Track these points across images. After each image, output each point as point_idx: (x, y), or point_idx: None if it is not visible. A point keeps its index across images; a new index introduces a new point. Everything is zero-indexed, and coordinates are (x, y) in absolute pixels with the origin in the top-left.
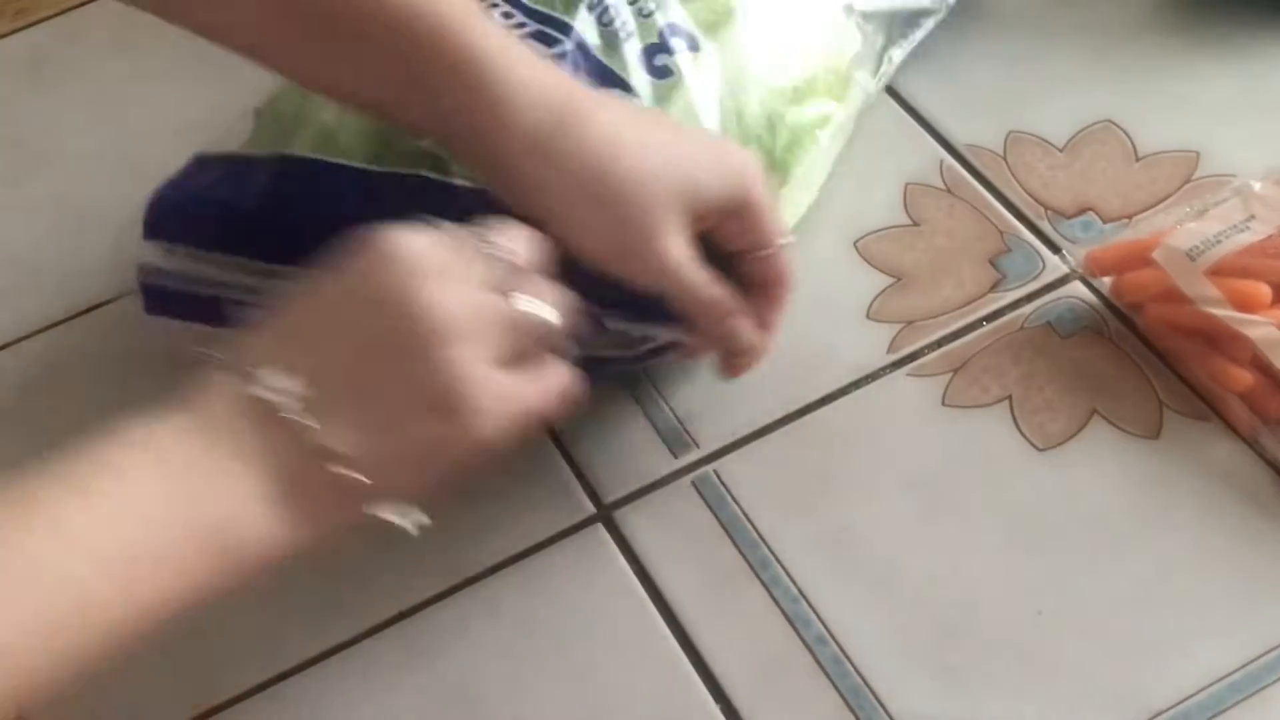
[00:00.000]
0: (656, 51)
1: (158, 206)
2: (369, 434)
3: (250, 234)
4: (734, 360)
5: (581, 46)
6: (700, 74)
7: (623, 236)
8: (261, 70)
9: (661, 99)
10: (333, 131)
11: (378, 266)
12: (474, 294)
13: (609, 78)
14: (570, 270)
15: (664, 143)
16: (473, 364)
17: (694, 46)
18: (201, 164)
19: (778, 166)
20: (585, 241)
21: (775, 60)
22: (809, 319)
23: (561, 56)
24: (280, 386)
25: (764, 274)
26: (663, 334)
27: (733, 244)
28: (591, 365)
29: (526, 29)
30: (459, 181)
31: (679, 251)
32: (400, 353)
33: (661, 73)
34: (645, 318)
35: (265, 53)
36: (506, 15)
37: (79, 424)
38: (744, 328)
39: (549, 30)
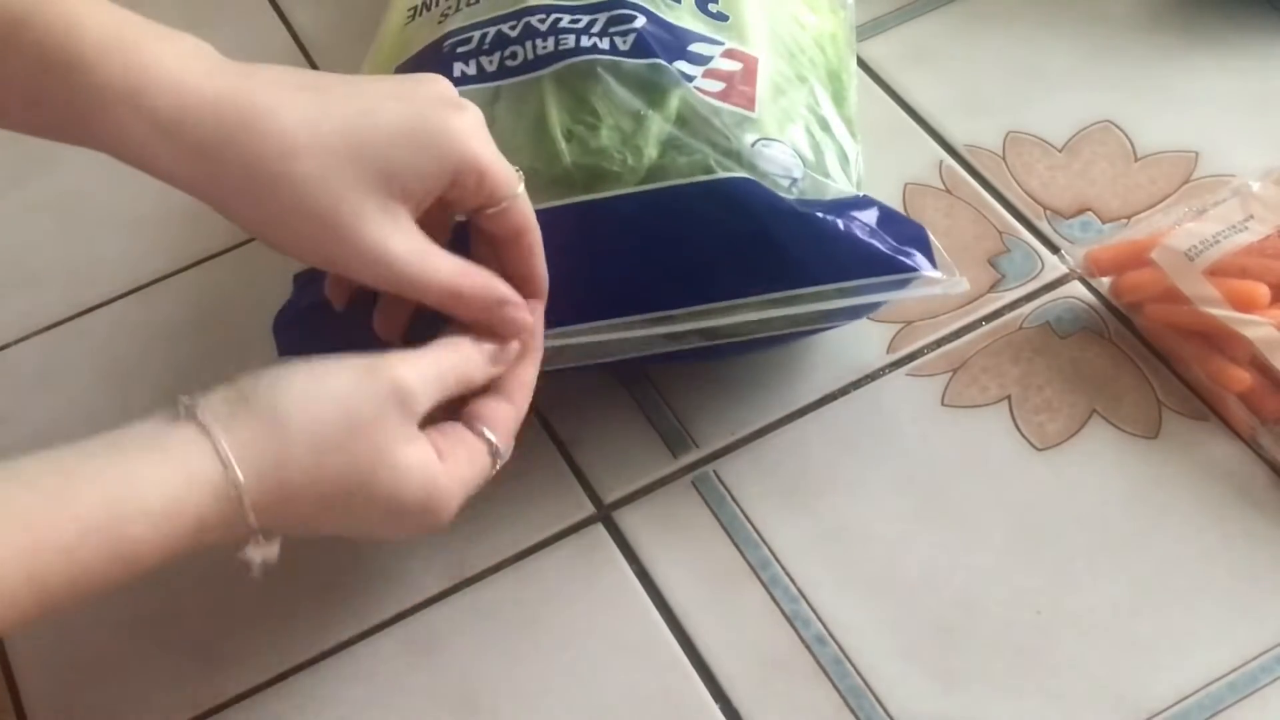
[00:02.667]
0: (706, 1)
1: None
2: (303, 530)
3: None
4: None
5: (652, 18)
6: (750, 10)
7: (323, 240)
8: None
9: (729, 38)
10: None
11: (408, 495)
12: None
13: (687, 37)
14: None
15: (347, 129)
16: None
17: None
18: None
19: (837, 82)
20: (296, 249)
21: None
22: None
23: (639, 35)
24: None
25: (506, 228)
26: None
27: (466, 208)
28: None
29: (595, 25)
30: None
31: (393, 242)
32: (383, 523)
33: (719, 17)
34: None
35: None
36: (572, 20)
37: (79, 424)
38: (507, 311)
39: (619, 11)
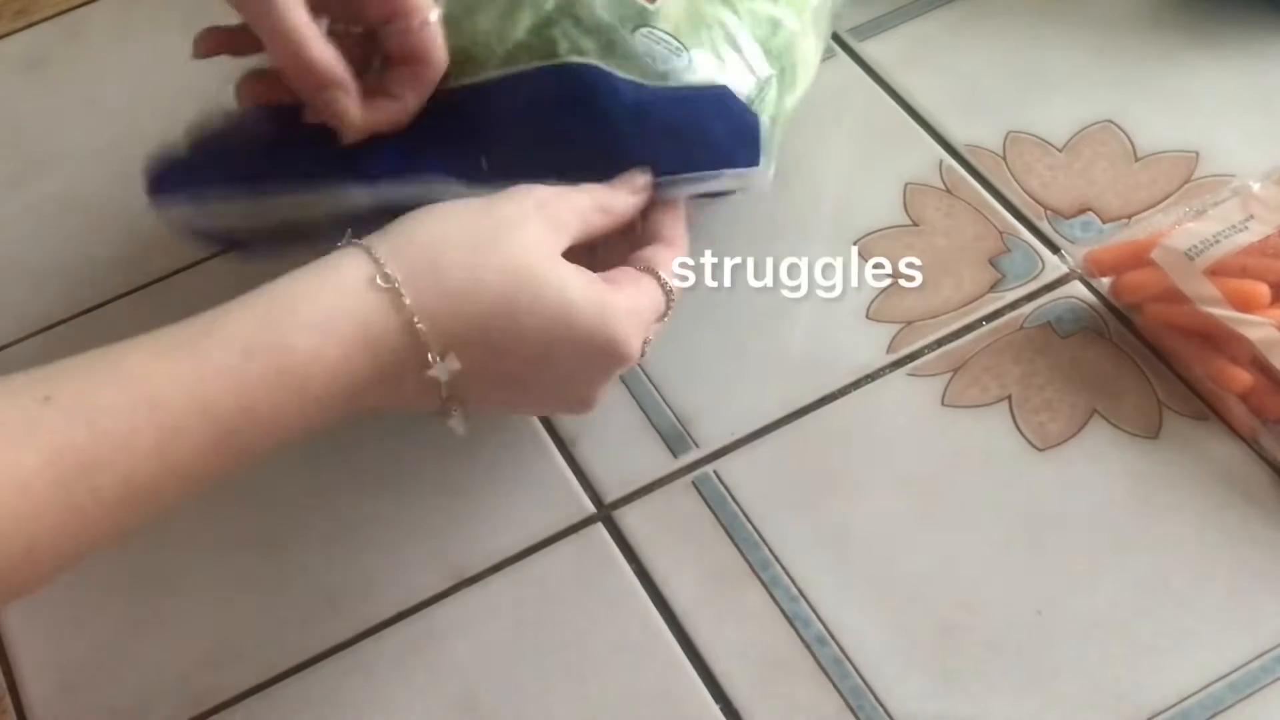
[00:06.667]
0: None
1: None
2: (485, 397)
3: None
4: (329, 120)
5: None
6: None
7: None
8: None
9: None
10: None
11: (590, 344)
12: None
13: None
14: None
15: None
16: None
17: None
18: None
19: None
20: None
21: None
22: (809, 319)
23: None
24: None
25: (407, 49)
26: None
27: (371, 15)
28: None
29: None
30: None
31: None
32: (568, 378)
33: None
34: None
35: None
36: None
37: None
38: (341, 102)
39: None
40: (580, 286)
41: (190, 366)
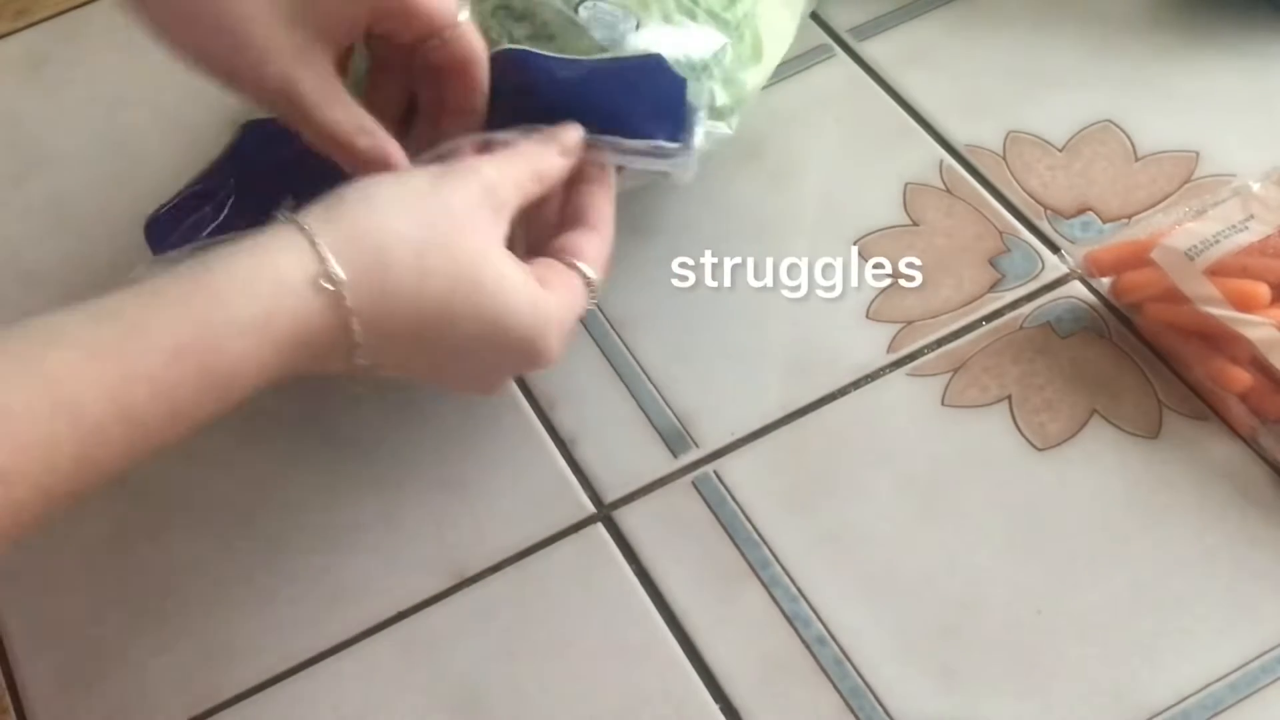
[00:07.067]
0: None
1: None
2: (401, 369)
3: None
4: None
5: None
6: None
7: (238, 63)
8: None
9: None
10: None
11: (514, 333)
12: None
13: None
14: None
15: None
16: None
17: None
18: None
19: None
20: (208, 68)
21: None
22: (809, 319)
23: None
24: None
25: (448, 59)
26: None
27: (405, 40)
28: None
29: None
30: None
31: (302, 77)
32: (489, 364)
33: None
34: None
35: None
36: None
37: None
38: (376, 152)
39: None
40: (517, 289)
41: (116, 372)
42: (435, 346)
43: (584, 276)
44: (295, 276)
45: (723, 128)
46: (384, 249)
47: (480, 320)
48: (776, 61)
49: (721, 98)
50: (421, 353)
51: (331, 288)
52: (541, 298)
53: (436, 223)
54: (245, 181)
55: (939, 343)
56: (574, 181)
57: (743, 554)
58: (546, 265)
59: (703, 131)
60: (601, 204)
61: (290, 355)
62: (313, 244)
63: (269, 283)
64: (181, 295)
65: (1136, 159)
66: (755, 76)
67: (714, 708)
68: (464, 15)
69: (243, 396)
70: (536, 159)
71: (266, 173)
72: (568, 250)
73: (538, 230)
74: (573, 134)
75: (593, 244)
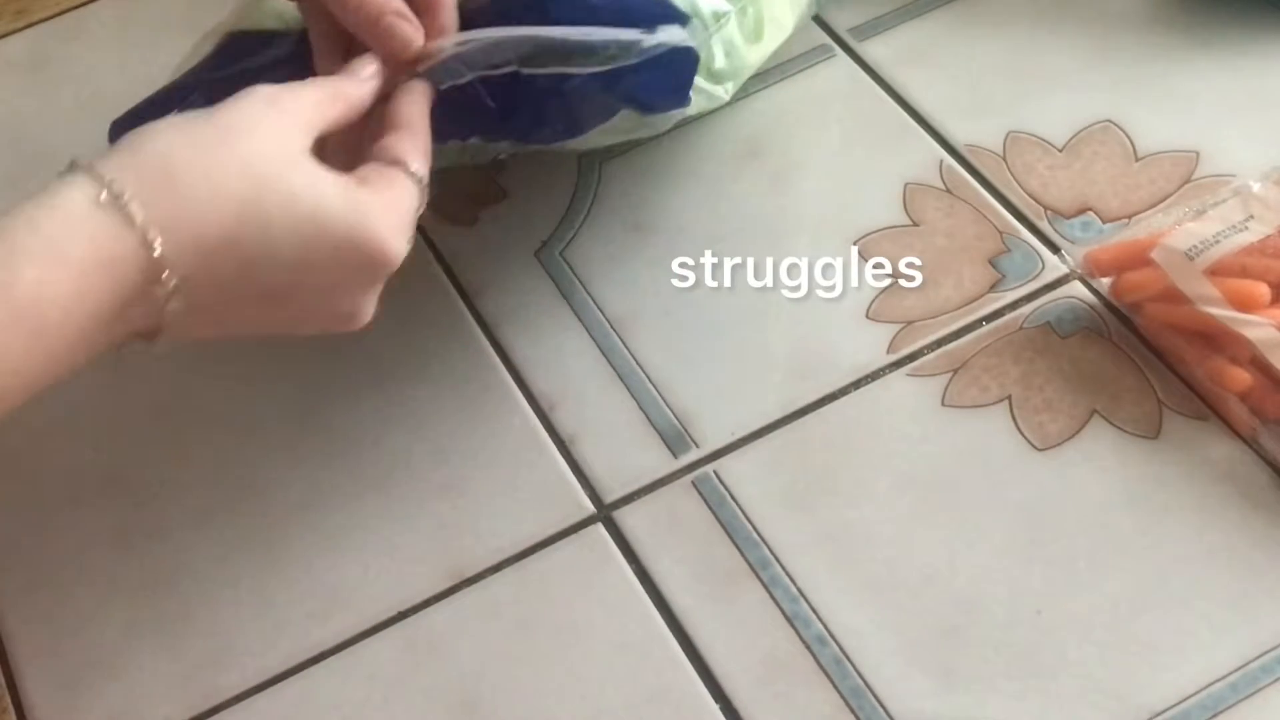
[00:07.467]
0: None
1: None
2: (238, 315)
3: None
4: (391, 58)
5: None
6: None
7: None
8: None
9: None
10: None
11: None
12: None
13: None
14: None
15: None
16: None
17: None
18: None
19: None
20: None
21: None
22: (809, 319)
23: None
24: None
25: None
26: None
27: None
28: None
29: None
30: None
31: None
32: (321, 294)
33: None
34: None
35: None
36: None
37: (77, 424)
38: (399, 26)
39: None
40: (331, 182)
41: None
42: (259, 262)
43: (406, 170)
44: (78, 201)
45: (719, 92)
46: (166, 157)
47: (297, 215)
48: (773, 47)
49: (720, 60)
50: (248, 272)
51: (114, 201)
52: (362, 191)
53: (218, 130)
54: (213, 87)
55: (939, 343)
56: (386, 96)
57: (743, 554)
58: (364, 169)
59: (687, 35)
60: (411, 107)
61: (100, 282)
62: (89, 170)
63: (55, 212)
64: None
65: (1136, 159)
66: (753, 54)
67: (714, 707)
68: None
69: (67, 342)
70: (333, 81)
71: (235, 77)
72: (384, 151)
73: (353, 159)
74: (369, 66)
75: (405, 140)
